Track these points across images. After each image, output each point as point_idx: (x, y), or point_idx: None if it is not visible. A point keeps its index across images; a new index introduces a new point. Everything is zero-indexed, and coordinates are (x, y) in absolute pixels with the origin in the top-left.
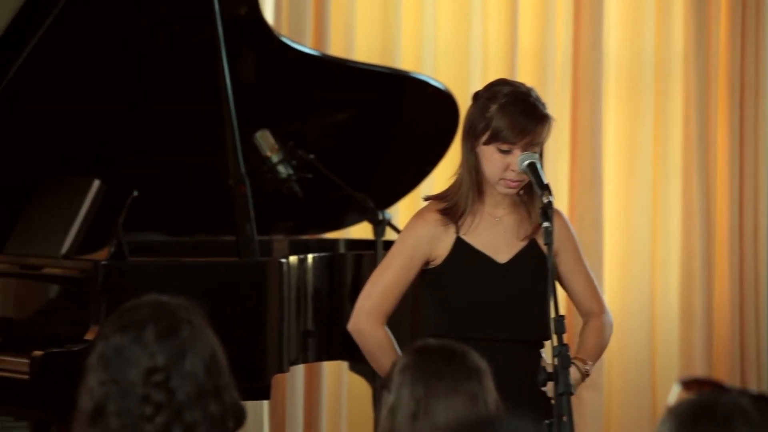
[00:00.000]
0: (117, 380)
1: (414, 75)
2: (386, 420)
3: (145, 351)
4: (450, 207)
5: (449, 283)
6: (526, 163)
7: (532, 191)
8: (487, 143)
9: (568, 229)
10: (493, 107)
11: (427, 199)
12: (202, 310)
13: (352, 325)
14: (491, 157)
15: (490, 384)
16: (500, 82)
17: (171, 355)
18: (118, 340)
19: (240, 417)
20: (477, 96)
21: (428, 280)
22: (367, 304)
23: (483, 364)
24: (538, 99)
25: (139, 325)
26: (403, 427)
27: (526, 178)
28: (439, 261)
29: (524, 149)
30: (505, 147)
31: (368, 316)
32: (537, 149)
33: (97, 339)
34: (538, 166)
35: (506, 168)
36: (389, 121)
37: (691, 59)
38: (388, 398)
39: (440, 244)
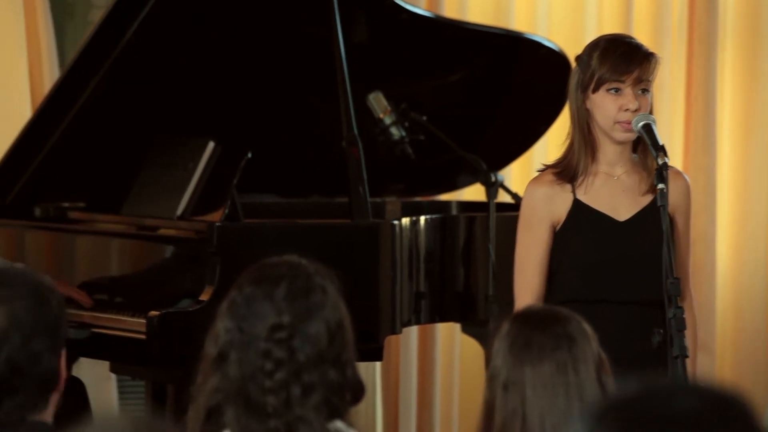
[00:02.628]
0: (242, 330)
1: (527, 36)
2: (487, 387)
3: (274, 307)
4: (564, 169)
5: (569, 246)
6: (642, 123)
7: (648, 152)
8: (595, 90)
9: (687, 196)
10: (596, 54)
11: (540, 170)
12: (337, 282)
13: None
14: (602, 103)
15: (586, 351)
16: (599, 37)
17: (297, 316)
18: (250, 292)
19: (359, 393)
20: (579, 56)
21: (553, 245)
22: (523, 287)
23: (581, 332)
24: (640, 43)
25: (274, 281)
26: (498, 396)
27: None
28: (559, 225)
29: (634, 86)
30: (614, 85)
31: (530, 298)
32: (646, 87)
33: (232, 287)
34: (653, 126)
35: (619, 109)
36: (502, 83)
37: None
38: (490, 366)
39: (558, 205)
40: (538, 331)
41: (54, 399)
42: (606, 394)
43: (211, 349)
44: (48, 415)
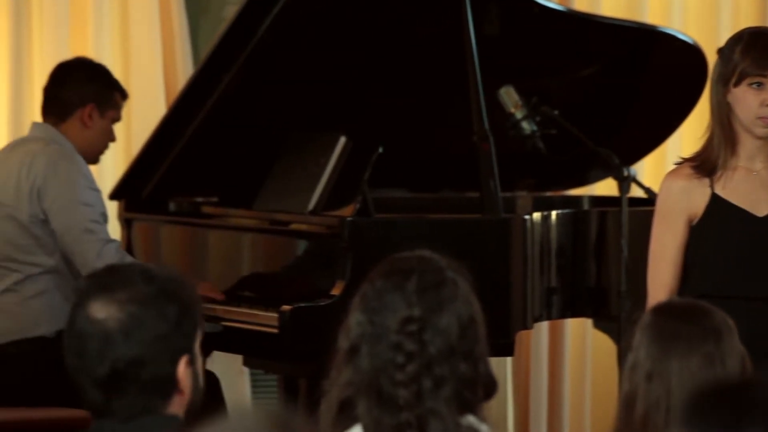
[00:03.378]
0: (374, 323)
1: (662, 29)
2: (626, 379)
3: (405, 300)
4: (702, 163)
5: (706, 240)
6: None
7: None
8: (737, 84)
9: None
10: (738, 48)
11: (678, 163)
12: (470, 277)
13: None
14: (744, 97)
15: (732, 345)
16: (742, 30)
17: (428, 308)
18: (381, 285)
19: (491, 389)
20: (721, 49)
21: (689, 239)
22: (658, 281)
23: (726, 325)
24: None
25: (404, 273)
26: (640, 387)
27: None
28: (696, 219)
29: None
30: (756, 80)
31: (664, 292)
32: None
33: (364, 281)
34: None
35: (761, 104)
36: (635, 76)
37: None
38: (630, 357)
39: (695, 199)
40: (685, 323)
41: (178, 401)
42: None
43: (343, 343)
44: (173, 410)
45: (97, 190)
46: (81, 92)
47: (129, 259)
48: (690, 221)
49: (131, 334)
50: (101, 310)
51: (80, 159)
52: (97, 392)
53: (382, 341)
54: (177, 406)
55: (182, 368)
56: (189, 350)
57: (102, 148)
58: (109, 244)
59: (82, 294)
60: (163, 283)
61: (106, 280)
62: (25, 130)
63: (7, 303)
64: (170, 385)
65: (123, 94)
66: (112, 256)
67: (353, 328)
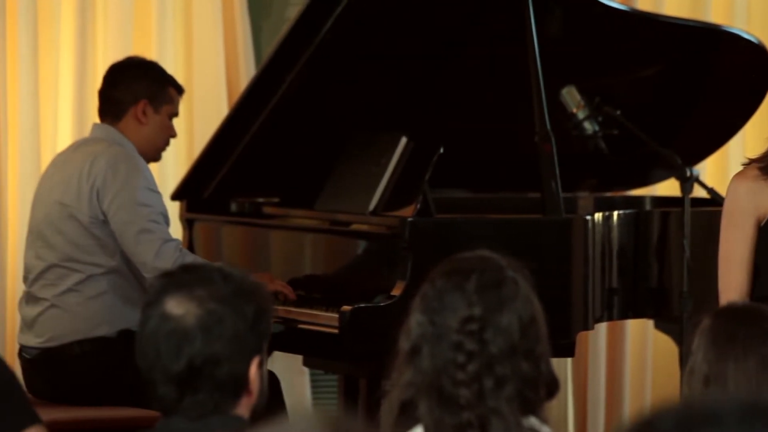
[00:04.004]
0: (434, 323)
1: (726, 28)
2: (686, 384)
3: (465, 299)
4: None
5: None
6: None
7: None
8: None
9: None
10: None
11: (745, 164)
12: (530, 277)
13: None
14: None
15: None
16: None
17: (489, 308)
18: (442, 285)
19: (553, 388)
20: None
21: (757, 240)
22: (728, 283)
23: None
24: None
25: (464, 273)
26: (697, 390)
27: None
28: (764, 220)
29: None
30: None
31: (736, 294)
32: None
33: (424, 282)
34: None
35: None
36: (698, 76)
37: None
38: (689, 361)
39: (763, 200)
40: (742, 325)
41: (245, 402)
42: None
43: (404, 344)
44: (240, 411)
45: (156, 192)
46: (132, 90)
47: (190, 257)
48: (758, 222)
49: (210, 330)
50: (179, 307)
51: (141, 160)
52: (171, 388)
53: (443, 341)
54: (244, 408)
55: (254, 369)
56: (261, 351)
57: (162, 144)
58: (168, 243)
59: (157, 292)
60: (241, 283)
61: (183, 278)
62: (89, 132)
63: (69, 303)
64: (242, 385)
65: (178, 89)
66: (171, 255)
67: (414, 328)
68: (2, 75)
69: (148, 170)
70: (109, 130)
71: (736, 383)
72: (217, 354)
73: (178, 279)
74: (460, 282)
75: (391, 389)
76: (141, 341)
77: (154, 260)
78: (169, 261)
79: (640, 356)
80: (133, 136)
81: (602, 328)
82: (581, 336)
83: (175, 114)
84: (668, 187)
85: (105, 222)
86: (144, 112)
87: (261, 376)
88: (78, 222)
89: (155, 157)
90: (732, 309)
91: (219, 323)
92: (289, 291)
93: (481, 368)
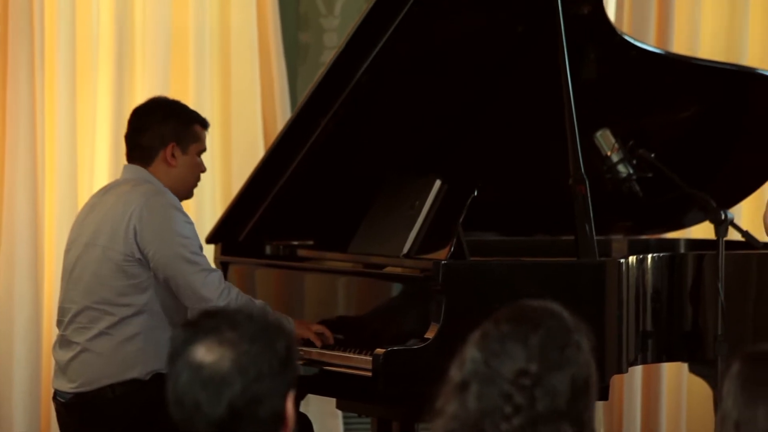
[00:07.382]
0: (489, 365)
1: (761, 71)
2: (718, 430)
3: (526, 352)
4: None
5: None
6: None
7: None
8: None
9: None
10: None
11: None
12: (590, 341)
13: None
14: None
15: None
16: None
17: (547, 367)
18: (507, 330)
19: None
20: None
21: None
22: None
23: None
24: None
25: (533, 325)
26: None
27: None
28: None
29: None
30: None
31: None
32: None
33: (488, 320)
34: None
35: None
36: (733, 119)
37: None
38: (720, 407)
39: None
40: None
41: None
42: None
43: (455, 374)
44: None
45: (191, 223)
46: (159, 134)
47: (235, 290)
48: None
49: (247, 371)
50: (210, 353)
51: (172, 194)
52: None
53: (494, 386)
54: None
55: (290, 403)
56: (295, 385)
57: (193, 181)
58: (212, 274)
59: (183, 342)
60: (265, 320)
61: (209, 324)
62: None
63: (102, 347)
64: (281, 420)
65: (203, 124)
66: (217, 287)
67: (467, 363)
68: (41, 121)
69: (179, 203)
70: (139, 170)
71: (765, 428)
72: (257, 394)
73: (203, 326)
74: (525, 333)
75: (435, 416)
76: (175, 394)
77: (201, 290)
78: (215, 292)
79: (675, 400)
80: (164, 178)
81: (638, 371)
82: (615, 378)
83: (203, 150)
84: (703, 230)
85: (140, 260)
86: (173, 155)
87: (294, 409)
88: (111, 262)
89: (187, 195)
90: (759, 352)
91: (254, 363)
92: (328, 333)
93: (525, 424)
